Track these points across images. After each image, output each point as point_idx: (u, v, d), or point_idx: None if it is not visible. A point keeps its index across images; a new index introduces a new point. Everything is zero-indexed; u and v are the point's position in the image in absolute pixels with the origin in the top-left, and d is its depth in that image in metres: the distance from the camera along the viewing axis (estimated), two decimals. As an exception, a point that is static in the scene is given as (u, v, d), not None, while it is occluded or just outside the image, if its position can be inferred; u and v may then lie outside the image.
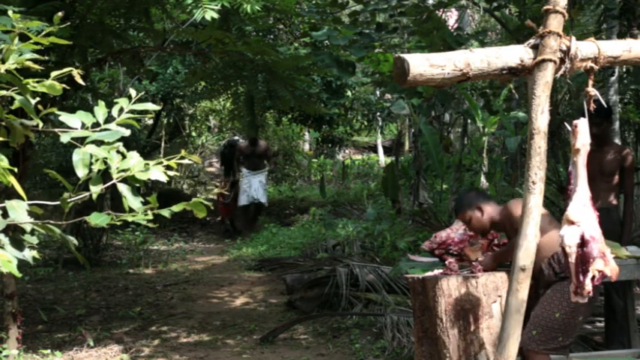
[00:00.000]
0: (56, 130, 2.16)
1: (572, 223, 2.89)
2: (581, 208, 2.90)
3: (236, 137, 16.88)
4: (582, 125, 2.93)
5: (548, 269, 3.60)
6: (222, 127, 20.54)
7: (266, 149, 11.41)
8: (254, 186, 11.03)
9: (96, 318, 6.63)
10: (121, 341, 5.84)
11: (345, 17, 8.02)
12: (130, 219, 2.15)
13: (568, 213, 2.90)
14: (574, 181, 2.96)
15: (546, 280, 3.62)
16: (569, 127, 2.98)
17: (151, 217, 2.16)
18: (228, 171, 19.55)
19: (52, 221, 2.16)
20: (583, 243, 2.87)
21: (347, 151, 21.11)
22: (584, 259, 2.86)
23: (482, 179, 12.53)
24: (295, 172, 17.49)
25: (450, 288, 3.40)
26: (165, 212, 2.17)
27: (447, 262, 3.76)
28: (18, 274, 2.01)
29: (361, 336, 5.80)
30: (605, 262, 2.88)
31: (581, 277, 2.88)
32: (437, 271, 3.71)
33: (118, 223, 2.15)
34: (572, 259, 2.89)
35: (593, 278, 2.86)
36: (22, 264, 2.14)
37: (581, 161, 2.95)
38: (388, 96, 13.95)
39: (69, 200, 2.10)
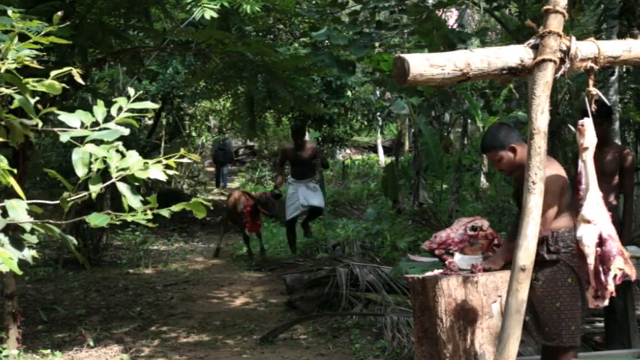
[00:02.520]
0: (56, 129, 2.15)
1: (588, 222, 2.86)
2: (595, 206, 2.89)
3: (227, 137, 16.65)
4: (588, 124, 2.94)
5: (540, 246, 3.51)
6: (222, 127, 20.55)
7: (314, 154, 9.36)
8: (302, 193, 9.26)
9: (96, 318, 6.62)
10: (121, 341, 5.83)
11: (345, 17, 8.02)
12: (129, 219, 2.14)
13: (583, 212, 2.88)
14: (585, 179, 2.95)
15: (536, 258, 3.56)
16: (570, 127, 2.98)
17: (150, 217, 2.15)
18: (218, 175, 19.28)
19: (51, 221, 2.16)
20: (601, 242, 2.84)
21: (347, 151, 21.12)
22: (604, 258, 2.83)
23: (482, 179, 12.55)
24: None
25: (450, 288, 3.40)
26: (165, 212, 2.17)
27: (447, 262, 3.76)
28: (19, 272, 2.01)
29: (361, 336, 5.80)
30: (625, 260, 2.86)
31: (602, 277, 2.83)
32: (437, 271, 3.70)
33: (118, 223, 2.15)
34: (591, 259, 2.83)
35: (614, 277, 2.83)
36: (21, 264, 2.14)
37: (590, 160, 2.94)
38: (388, 95, 13.96)
39: (69, 200, 2.09)
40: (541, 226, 3.16)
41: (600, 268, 2.83)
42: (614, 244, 2.83)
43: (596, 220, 2.85)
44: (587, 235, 2.85)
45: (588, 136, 2.92)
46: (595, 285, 2.86)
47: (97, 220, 2.12)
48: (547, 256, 3.49)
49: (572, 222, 3.52)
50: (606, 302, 2.90)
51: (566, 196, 3.53)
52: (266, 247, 10.13)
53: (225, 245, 11.17)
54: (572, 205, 3.52)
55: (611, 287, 2.83)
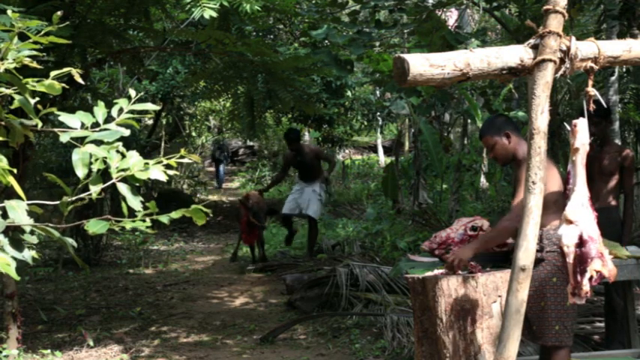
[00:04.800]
0: (56, 129, 2.15)
1: (570, 222, 2.89)
2: (580, 207, 2.91)
3: (224, 137, 16.56)
4: (581, 125, 2.94)
5: None
6: (222, 127, 20.55)
7: (315, 155, 9.40)
8: (306, 196, 9.20)
9: (96, 318, 6.62)
10: (121, 341, 5.83)
11: (344, 17, 8.02)
12: (128, 226, 2.14)
13: (566, 212, 2.90)
14: (572, 180, 2.96)
15: None
16: (568, 127, 2.98)
17: (149, 223, 2.15)
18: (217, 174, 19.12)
19: (52, 222, 2.16)
20: (581, 243, 2.87)
21: (347, 151, 21.12)
22: (582, 259, 2.87)
23: (482, 179, 12.54)
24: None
25: (450, 288, 3.40)
26: (164, 218, 2.16)
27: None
28: (17, 277, 2.00)
29: (361, 336, 5.80)
30: (603, 263, 2.88)
31: (578, 277, 2.88)
32: (437, 271, 3.70)
33: (117, 229, 2.15)
34: (570, 259, 2.89)
35: (590, 279, 2.87)
36: (22, 264, 2.14)
37: (580, 161, 2.95)
38: (388, 95, 13.96)
39: (68, 201, 2.09)
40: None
41: (577, 269, 2.86)
42: (593, 246, 2.85)
43: (578, 221, 2.87)
44: (568, 235, 2.87)
45: (580, 137, 2.91)
46: (573, 283, 2.90)
47: (95, 227, 2.12)
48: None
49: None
50: (583, 301, 2.94)
51: (554, 194, 3.52)
52: (266, 247, 10.07)
53: (224, 245, 11.17)
54: (562, 203, 3.53)
55: (586, 287, 2.86)
